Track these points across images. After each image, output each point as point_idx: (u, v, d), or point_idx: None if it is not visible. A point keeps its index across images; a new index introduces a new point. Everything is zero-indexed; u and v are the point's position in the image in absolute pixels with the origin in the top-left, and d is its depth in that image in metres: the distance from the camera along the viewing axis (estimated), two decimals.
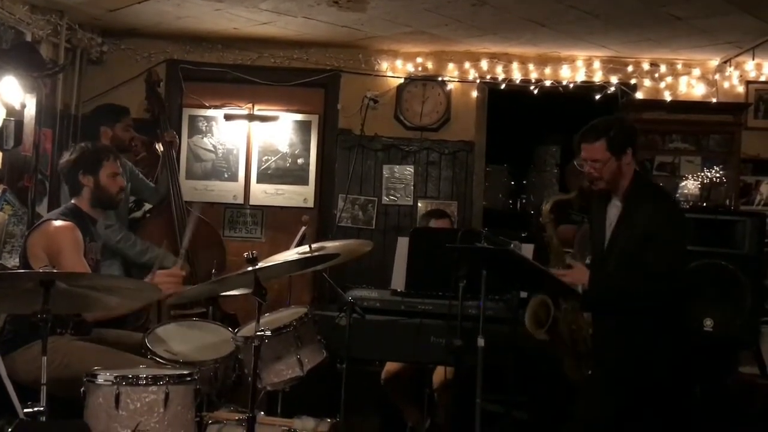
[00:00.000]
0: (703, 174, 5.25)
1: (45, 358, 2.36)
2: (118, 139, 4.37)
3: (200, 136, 5.41)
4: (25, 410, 2.29)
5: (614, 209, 3.13)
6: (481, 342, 3.05)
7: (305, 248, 3.49)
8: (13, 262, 4.00)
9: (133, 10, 4.54)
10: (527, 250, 3.59)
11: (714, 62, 5.23)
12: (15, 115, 4.08)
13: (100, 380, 2.60)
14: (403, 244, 4.07)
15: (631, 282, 2.98)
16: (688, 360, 3.41)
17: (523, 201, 8.25)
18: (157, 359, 3.04)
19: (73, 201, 3.28)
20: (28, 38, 4.32)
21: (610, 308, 3.07)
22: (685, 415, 3.66)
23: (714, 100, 5.21)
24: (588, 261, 3.35)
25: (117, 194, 3.34)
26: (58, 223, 3.09)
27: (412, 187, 5.39)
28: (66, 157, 3.32)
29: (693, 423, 3.82)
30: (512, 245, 3.14)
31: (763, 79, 5.28)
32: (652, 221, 2.95)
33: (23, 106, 4.16)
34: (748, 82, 5.28)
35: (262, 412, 3.11)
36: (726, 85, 5.23)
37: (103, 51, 5.15)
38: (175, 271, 3.12)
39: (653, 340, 2.98)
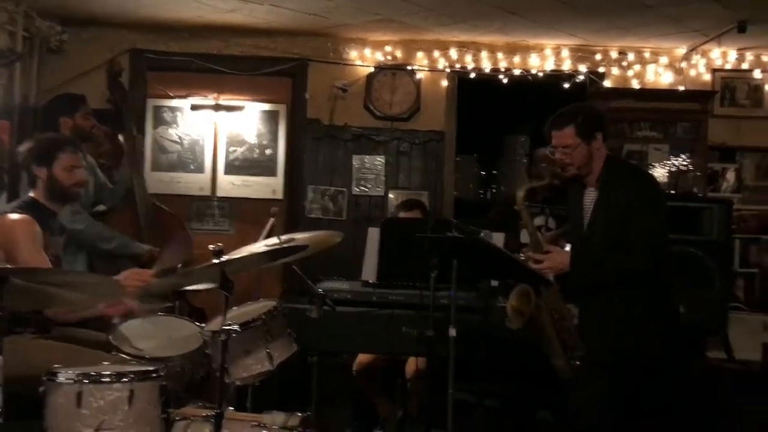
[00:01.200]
0: (671, 162, 5.29)
1: (1, 358, 2.26)
2: (79, 128, 4.25)
3: (165, 127, 5.31)
4: None
5: (590, 196, 3.15)
6: (452, 332, 3.03)
7: (274, 240, 3.42)
8: None
9: None
10: (498, 238, 3.58)
11: (681, 50, 5.26)
12: None
13: (61, 378, 2.51)
14: (373, 234, 4.03)
15: (614, 256, 2.99)
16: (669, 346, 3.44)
17: (494, 191, 8.24)
18: (122, 356, 2.96)
19: (31, 193, 3.17)
20: None
21: (596, 286, 3.07)
22: (658, 400, 3.69)
23: (681, 88, 5.25)
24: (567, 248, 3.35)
25: (71, 187, 3.20)
26: (13, 216, 2.98)
27: (383, 178, 5.35)
28: (23, 147, 3.21)
29: (663, 407, 3.86)
30: (482, 234, 3.12)
31: (728, 67, 5.33)
32: (633, 196, 2.98)
33: None
34: (714, 70, 5.33)
35: (231, 408, 3.04)
36: (693, 73, 5.27)
37: (62, 40, 5.01)
38: (144, 272, 3.04)
39: (640, 320, 3.00)
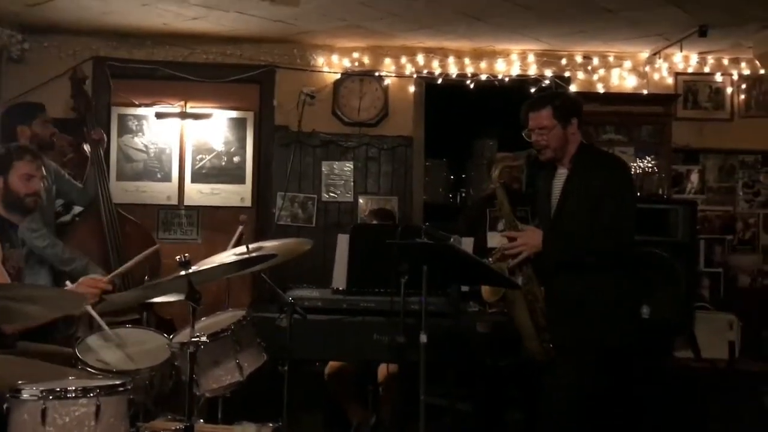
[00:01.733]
0: (636, 164, 5.36)
1: None
2: (37, 136, 4.16)
3: (130, 135, 5.23)
4: None
5: (560, 178, 3.21)
6: (423, 338, 3.02)
7: (242, 249, 3.39)
8: None
9: (54, 5, 4.34)
10: (467, 243, 3.59)
11: (644, 54, 5.35)
12: None
13: (25, 395, 2.45)
14: (343, 241, 4.01)
15: (584, 238, 3.06)
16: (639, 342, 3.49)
17: (463, 194, 8.28)
18: (89, 370, 2.90)
19: None
20: None
21: (569, 269, 3.10)
22: (624, 398, 3.73)
23: (645, 91, 5.33)
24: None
25: (26, 197, 3.15)
26: None
27: (352, 183, 5.34)
28: None
29: (632, 406, 3.90)
30: (452, 239, 3.12)
31: (690, 70, 5.43)
32: (604, 178, 3.06)
33: None
34: (676, 74, 5.42)
35: (201, 420, 3.01)
36: (656, 77, 5.36)
37: (24, 49, 4.92)
38: (97, 280, 2.98)
39: (607, 304, 3.05)
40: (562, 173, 3.20)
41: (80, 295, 2.69)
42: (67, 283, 3.11)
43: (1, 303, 2.33)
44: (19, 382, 2.53)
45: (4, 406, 2.46)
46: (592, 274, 3.07)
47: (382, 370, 3.99)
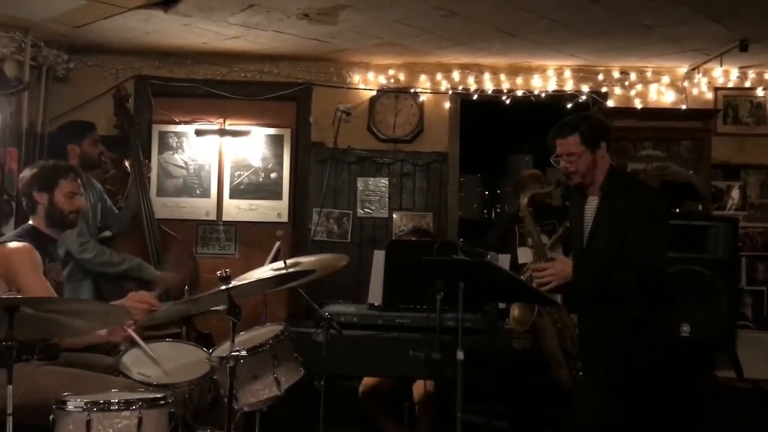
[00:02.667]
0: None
1: (11, 387, 2.27)
2: (86, 155, 4.28)
3: (171, 152, 5.34)
4: None
5: (591, 205, 3.16)
6: (460, 355, 3.02)
7: (280, 264, 3.43)
8: None
9: (99, 26, 4.46)
10: (504, 260, 3.58)
11: (682, 69, 5.29)
12: None
13: (70, 407, 2.52)
14: (379, 257, 4.03)
15: (614, 270, 2.99)
16: (671, 362, 3.43)
17: (498, 210, 8.27)
18: (130, 380, 2.96)
19: (30, 221, 3.19)
20: None
21: (598, 300, 3.07)
22: (664, 418, 3.67)
23: (684, 107, 5.27)
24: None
25: (70, 214, 3.20)
26: (13, 244, 3.00)
27: (386, 199, 5.36)
28: (25, 174, 3.23)
29: (672, 427, 3.83)
30: (489, 256, 3.12)
31: (730, 85, 5.35)
32: (635, 211, 2.98)
33: None
34: (716, 89, 5.35)
35: None
36: (695, 92, 5.29)
37: (69, 68, 5.06)
38: (147, 297, 3.04)
39: (639, 335, 2.99)
40: (592, 200, 3.15)
41: (126, 309, 2.74)
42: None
43: (48, 316, 2.40)
44: (65, 393, 2.60)
45: (51, 417, 2.52)
46: (624, 300, 3.01)
47: (418, 387, 3.99)
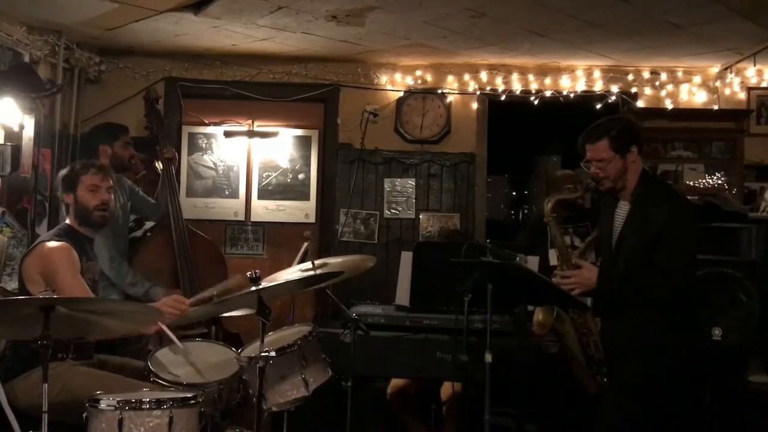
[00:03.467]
0: (705, 181, 5.22)
1: (46, 385, 2.31)
2: (117, 157, 4.34)
3: (200, 153, 5.39)
4: None
5: (622, 209, 3.11)
6: (488, 357, 3.01)
7: (308, 265, 3.45)
8: (13, 285, 3.95)
9: (131, 29, 4.52)
10: (533, 262, 3.56)
11: (715, 69, 5.21)
12: (13, 138, 4.05)
13: (102, 405, 2.55)
14: (407, 258, 4.03)
15: (640, 279, 2.96)
16: (698, 367, 3.38)
17: (525, 211, 8.22)
18: (160, 382, 2.99)
19: (67, 221, 3.24)
20: (26, 59, 4.30)
21: (622, 307, 3.03)
22: (695, 424, 3.62)
23: (716, 107, 5.20)
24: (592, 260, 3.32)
25: (95, 209, 3.19)
26: (52, 244, 3.04)
27: (413, 200, 5.36)
28: (57, 178, 3.29)
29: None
30: (518, 258, 3.11)
31: (764, 85, 5.27)
32: (667, 220, 2.93)
33: (21, 127, 4.14)
34: (749, 89, 5.27)
35: None
36: (727, 91, 5.22)
37: (101, 70, 5.13)
38: (181, 301, 3.07)
39: (664, 342, 2.96)
40: (623, 205, 3.10)
41: (158, 311, 2.77)
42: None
43: (82, 315, 2.44)
44: (98, 392, 2.64)
45: (84, 415, 2.57)
46: (650, 306, 2.96)
47: (446, 388, 3.98)
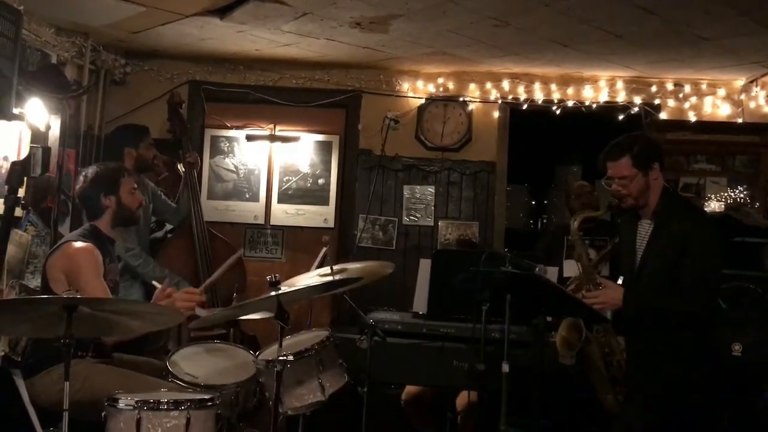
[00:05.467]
0: (727, 195, 5.18)
1: (68, 383, 2.34)
2: (142, 158, 4.40)
3: (222, 156, 5.43)
4: None
5: (644, 228, 3.09)
6: (505, 367, 3.01)
7: (326, 270, 3.46)
8: (35, 282, 4.01)
9: (156, 32, 4.57)
10: (552, 273, 3.55)
11: (740, 82, 5.17)
12: (40, 137, 4.11)
13: (121, 404, 2.58)
14: (425, 265, 4.03)
15: (666, 299, 2.93)
16: (717, 383, 3.35)
17: (544, 221, 8.19)
18: (178, 383, 3.02)
19: (92, 222, 3.28)
20: (54, 60, 4.36)
21: (645, 327, 3.01)
22: None
23: (740, 120, 5.15)
24: (620, 281, 3.30)
25: (137, 210, 3.34)
26: (77, 244, 3.09)
27: (432, 208, 5.36)
28: (80, 182, 3.28)
29: None
30: (537, 269, 3.10)
31: None
32: (690, 238, 2.90)
33: (48, 127, 4.19)
34: None
35: None
36: (752, 105, 5.16)
37: (126, 72, 5.20)
38: (192, 293, 3.10)
39: (688, 363, 2.93)
40: (645, 223, 3.08)
41: (177, 310, 2.79)
42: (154, 283, 3.24)
43: (104, 315, 2.46)
44: (116, 391, 2.66)
45: (103, 413, 2.59)
46: (674, 325, 2.94)
47: (462, 398, 3.97)
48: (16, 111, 3.66)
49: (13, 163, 3.65)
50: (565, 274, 3.94)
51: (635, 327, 3.07)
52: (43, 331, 2.52)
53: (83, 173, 3.34)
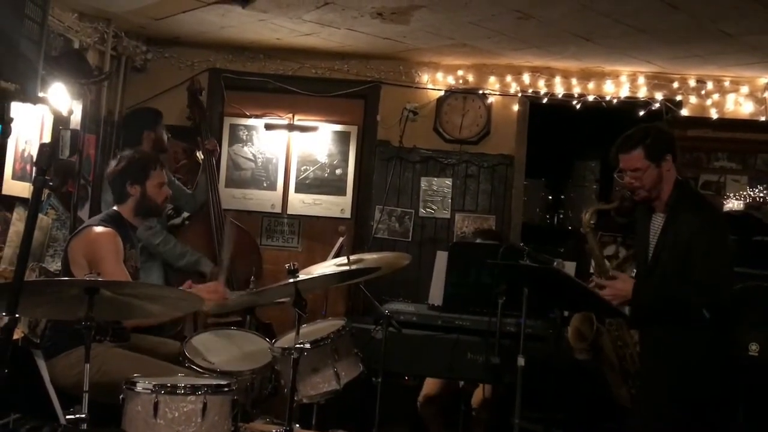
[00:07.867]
0: (748, 193, 5.13)
1: (88, 365, 2.36)
2: (159, 141, 4.46)
3: (240, 144, 5.45)
4: (68, 417, 2.30)
5: (657, 221, 3.07)
6: (521, 361, 3.01)
7: (343, 260, 3.47)
8: (55, 265, 4.05)
9: (178, 19, 4.59)
10: (570, 268, 3.54)
11: (763, 80, 5.10)
12: (62, 122, 4.14)
13: (139, 388, 2.61)
14: (442, 258, 4.03)
15: (677, 292, 2.91)
16: (733, 382, 3.33)
17: (561, 216, 8.14)
18: (195, 368, 3.04)
19: (115, 207, 3.31)
20: (76, 46, 4.40)
21: (657, 320, 2.99)
22: None
23: (762, 118, 5.08)
24: (633, 274, 3.28)
25: (162, 203, 3.36)
26: (99, 229, 3.11)
27: (449, 200, 5.35)
28: (113, 165, 3.34)
29: None
30: (556, 263, 3.09)
31: None
32: (696, 231, 2.88)
33: (70, 112, 4.23)
34: None
35: (297, 425, 3.09)
36: None
37: (147, 59, 5.21)
38: (221, 291, 3.12)
39: (701, 358, 2.91)
40: (658, 216, 3.06)
41: (198, 297, 2.81)
42: (189, 282, 3.26)
43: (125, 299, 2.49)
44: (134, 375, 2.69)
45: (121, 396, 2.62)
46: (687, 320, 2.91)
47: (477, 395, 3.97)
48: (40, 95, 3.69)
49: (42, 145, 3.66)
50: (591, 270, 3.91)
51: (647, 320, 3.05)
52: (64, 314, 2.55)
53: (118, 156, 3.39)
